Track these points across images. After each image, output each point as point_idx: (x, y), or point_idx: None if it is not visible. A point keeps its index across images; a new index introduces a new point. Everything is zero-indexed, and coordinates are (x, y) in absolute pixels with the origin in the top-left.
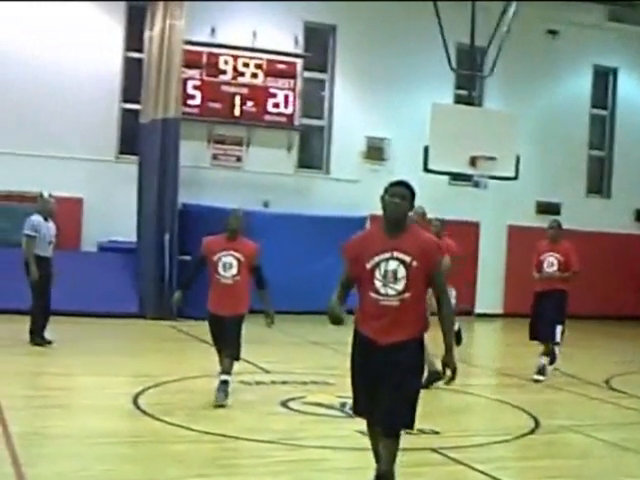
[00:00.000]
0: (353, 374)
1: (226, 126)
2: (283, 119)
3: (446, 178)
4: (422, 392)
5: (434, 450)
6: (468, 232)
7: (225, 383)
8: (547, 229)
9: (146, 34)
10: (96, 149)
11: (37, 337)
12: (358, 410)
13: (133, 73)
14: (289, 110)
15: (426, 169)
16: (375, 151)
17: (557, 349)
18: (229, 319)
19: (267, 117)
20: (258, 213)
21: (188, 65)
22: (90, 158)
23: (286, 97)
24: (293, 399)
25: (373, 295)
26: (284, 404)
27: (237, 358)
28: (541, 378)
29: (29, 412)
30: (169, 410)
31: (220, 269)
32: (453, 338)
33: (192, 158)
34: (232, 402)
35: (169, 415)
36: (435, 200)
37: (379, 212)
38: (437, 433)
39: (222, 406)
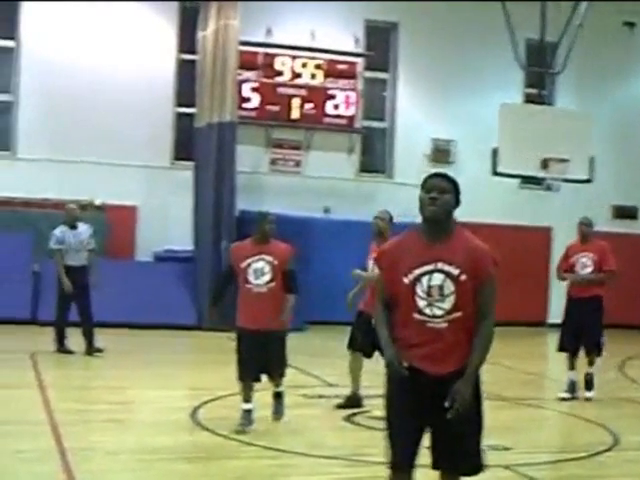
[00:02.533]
0: (391, 413)
1: (284, 129)
2: (344, 121)
3: (516, 182)
4: (491, 406)
5: (506, 467)
6: (540, 238)
7: (280, 395)
8: (579, 225)
9: (200, 35)
10: (150, 155)
11: (59, 345)
12: (397, 463)
13: (187, 75)
14: (350, 112)
15: (495, 172)
16: (441, 154)
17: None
18: (271, 336)
19: (327, 119)
20: (319, 220)
21: (244, 67)
22: (144, 165)
23: (346, 98)
24: (358, 413)
25: (417, 316)
26: (348, 419)
27: (283, 375)
28: (592, 394)
29: (84, 427)
30: (229, 425)
31: (251, 277)
32: (480, 366)
33: (249, 163)
34: (295, 417)
35: (229, 430)
36: (505, 205)
37: None
38: (508, 449)
39: (278, 418)
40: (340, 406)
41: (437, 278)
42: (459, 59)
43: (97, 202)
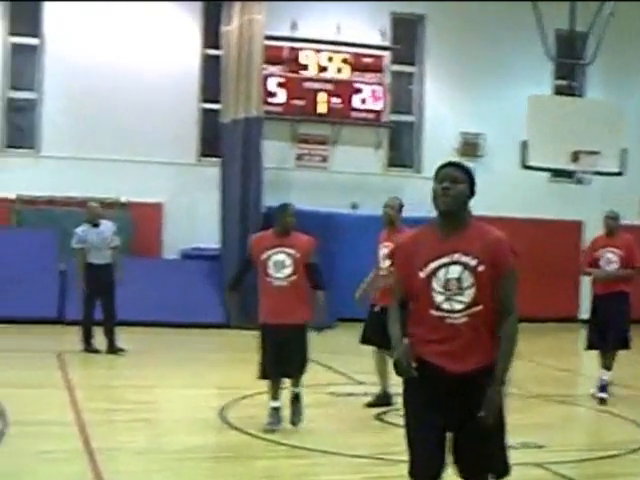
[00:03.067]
0: (409, 414)
1: (310, 124)
2: (371, 115)
3: (546, 175)
4: (523, 404)
5: (539, 465)
6: (571, 232)
7: (297, 398)
8: (605, 219)
9: (224, 30)
10: (176, 152)
11: (85, 344)
12: (418, 473)
13: (212, 71)
14: (377, 106)
15: (525, 165)
16: (470, 147)
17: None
18: (290, 330)
19: (353, 114)
20: (346, 216)
21: (269, 61)
22: (170, 161)
23: (373, 92)
24: (388, 412)
25: (434, 312)
26: (378, 417)
27: (302, 373)
28: (605, 395)
29: (111, 427)
30: (257, 424)
31: (270, 269)
32: (508, 368)
33: (276, 159)
34: (324, 415)
35: (258, 429)
36: (534, 198)
37: (476, 212)
38: (541, 447)
39: (296, 423)
40: (370, 404)
41: (454, 270)
42: (487, 51)
43: (122, 199)
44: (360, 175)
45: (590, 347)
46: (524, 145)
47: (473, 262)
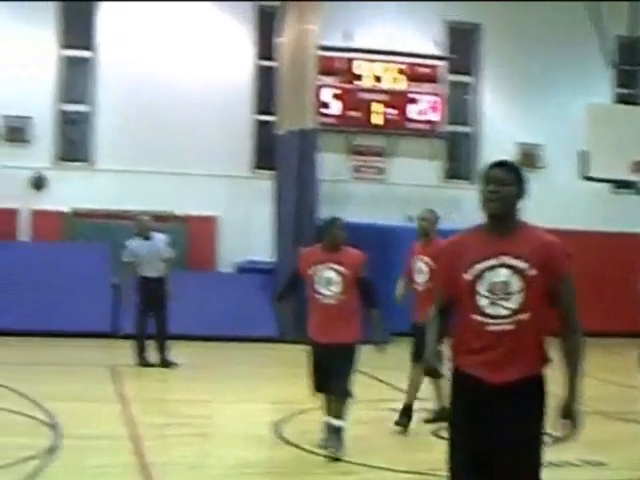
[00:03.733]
0: (452, 430)
1: (366, 136)
2: (427, 126)
3: (607, 186)
4: (585, 420)
5: None
6: (633, 244)
7: (339, 430)
8: None
9: (278, 40)
10: (230, 164)
11: (139, 358)
12: None
13: (266, 82)
14: (433, 117)
15: (585, 176)
16: (528, 158)
17: None
18: (337, 349)
19: (409, 125)
20: (402, 228)
21: (323, 72)
22: (224, 174)
23: (429, 103)
24: (446, 428)
25: (477, 317)
26: (435, 433)
27: (348, 395)
28: None
29: (165, 441)
30: (312, 439)
31: (317, 286)
32: (579, 380)
33: (331, 171)
34: (379, 431)
35: (312, 444)
36: (595, 210)
37: (534, 223)
38: (603, 465)
39: (337, 459)
40: (428, 420)
41: (502, 274)
42: (544, 59)
43: (176, 213)
44: (416, 187)
45: None
46: (583, 155)
47: (523, 265)
